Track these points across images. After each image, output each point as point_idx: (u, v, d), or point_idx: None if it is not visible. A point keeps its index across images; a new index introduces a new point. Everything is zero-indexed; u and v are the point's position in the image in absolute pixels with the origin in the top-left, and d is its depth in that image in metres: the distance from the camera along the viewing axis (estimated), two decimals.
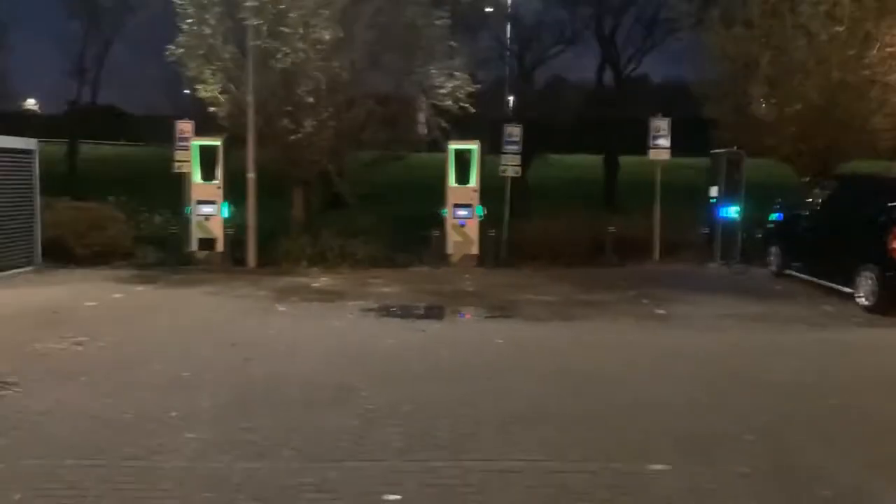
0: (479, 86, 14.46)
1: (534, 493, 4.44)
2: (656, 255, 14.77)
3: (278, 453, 5.01)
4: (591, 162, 29.93)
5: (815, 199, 12.11)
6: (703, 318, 9.91)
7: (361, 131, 13.90)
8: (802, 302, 10.98)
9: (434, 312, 10.03)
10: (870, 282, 10.26)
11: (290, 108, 13.47)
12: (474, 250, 14.29)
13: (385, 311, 10.01)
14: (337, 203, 21.86)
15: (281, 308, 10.12)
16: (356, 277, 12.70)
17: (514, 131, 15.30)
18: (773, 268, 13.00)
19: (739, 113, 14.27)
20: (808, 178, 13.26)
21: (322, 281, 12.39)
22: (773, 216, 13.27)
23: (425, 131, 19.65)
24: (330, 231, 14.12)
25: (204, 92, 13.58)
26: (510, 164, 15.27)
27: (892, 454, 5.19)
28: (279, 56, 12.97)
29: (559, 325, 9.49)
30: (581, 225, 15.03)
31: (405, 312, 10.02)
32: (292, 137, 13.23)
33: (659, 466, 4.83)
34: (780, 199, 13.29)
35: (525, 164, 23.92)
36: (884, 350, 8.45)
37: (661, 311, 10.34)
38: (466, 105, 14.34)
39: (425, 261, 14.13)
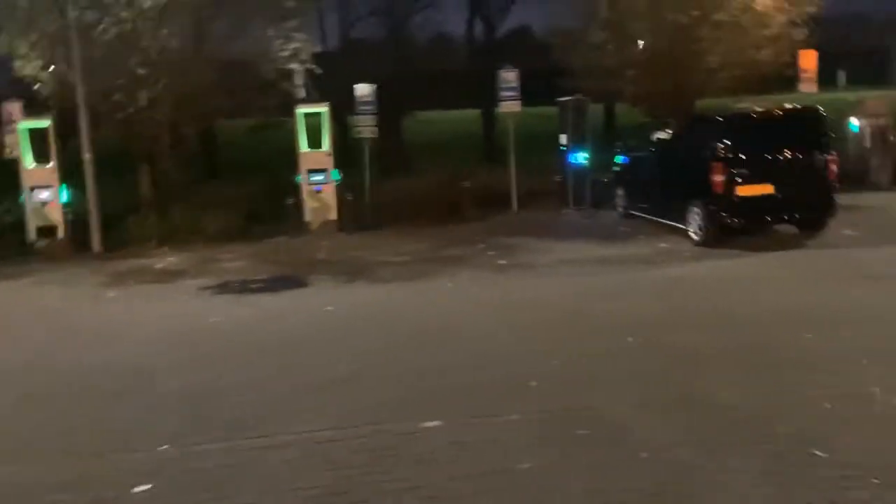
0: (319, 47, 14.08)
1: (291, 466, 4.38)
2: (514, 205, 14.93)
3: (40, 452, 4.78)
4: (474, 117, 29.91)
5: (653, 139, 12.42)
6: (543, 266, 10.08)
7: (201, 101, 13.34)
8: (641, 241, 11.30)
9: (273, 285, 9.82)
10: (698, 217, 10.66)
11: (121, 82, 12.78)
12: (333, 216, 14.03)
13: (222, 288, 9.73)
14: (214, 174, 21.24)
15: (111, 294, 9.70)
16: (205, 254, 12.29)
17: (366, 92, 15.02)
18: (621, 210, 13.33)
19: (584, 59, 14.41)
20: (646, 120, 13.53)
21: (168, 261, 11.94)
22: (619, 159, 13.55)
23: (303, 95, 19.09)
24: (184, 206, 13.62)
25: (24, 68, 12.72)
26: (365, 126, 15.02)
27: (663, 392, 5.35)
28: (101, 27, 12.25)
29: (400, 285, 9.47)
30: (444, 182, 15.02)
31: (243, 287, 9.78)
32: (120, 115, 12.57)
33: (432, 423, 4.85)
34: (619, 142, 13.58)
35: (396, 123, 23.77)
36: (698, 283, 8.76)
37: (504, 262, 10.46)
38: (313, 67, 14.05)
39: (284, 231, 13.83)
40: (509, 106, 14.87)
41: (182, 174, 16.12)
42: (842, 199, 13.42)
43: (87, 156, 13.02)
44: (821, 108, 10.63)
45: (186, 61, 13.00)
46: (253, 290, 9.58)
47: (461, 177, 15.05)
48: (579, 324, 7.15)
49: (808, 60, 14.98)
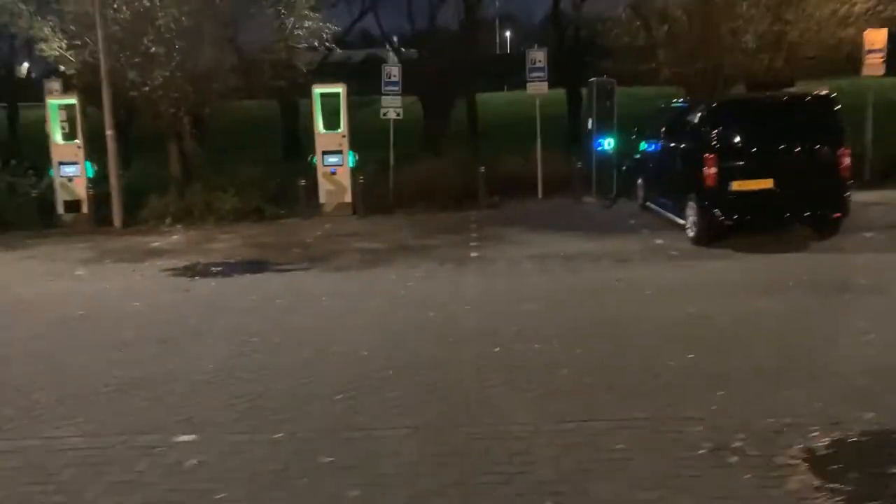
0: (335, 27, 13.87)
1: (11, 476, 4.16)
2: (539, 192, 14.19)
3: None
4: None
5: (664, 127, 11.33)
6: (507, 260, 9.44)
7: (215, 80, 13.42)
8: (637, 237, 10.38)
9: (233, 269, 9.68)
10: (693, 212, 9.63)
11: (137, 60, 13.06)
12: (348, 198, 13.86)
13: (184, 271, 9.69)
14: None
15: (79, 272, 9.88)
16: (210, 234, 12.42)
17: (393, 71, 14.67)
18: (639, 201, 12.34)
19: (615, 39, 13.42)
20: (662, 106, 12.34)
21: (168, 240, 12.12)
22: (642, 146, 12.50)
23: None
24: (205, 185, 13.79)
25: (48, 50, 13.22)
26: (392, 107, 14.66)
27: (436, 414, 4.74)
28: (116, 5, 12.54)
29: (351, 275, 9.11)
30: (463, 166, 14.49)
31: (204, 271, 9.70)
32: (135, 93, 12.84)
33: (186, 437, 4.48)
34: (636, 129, 12.50)
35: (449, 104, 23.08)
36: (640, 289, 7.69)
37: (476, 254, 9.88)
38: (332, 46, 13.91)
39: (298, 211, 13.75)
40: (536, 87, 14.11)
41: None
42: (871, 196, 11.86)
43: (109, 132, 13.39)
44: (834, 94, 9.24)
45: (198, 40, 13.09)
46: (208, 275, 9.47)
47: (477, 162, 14.42)
48: (454, 331, 6.47)
49: (877, 40, 13.24)
